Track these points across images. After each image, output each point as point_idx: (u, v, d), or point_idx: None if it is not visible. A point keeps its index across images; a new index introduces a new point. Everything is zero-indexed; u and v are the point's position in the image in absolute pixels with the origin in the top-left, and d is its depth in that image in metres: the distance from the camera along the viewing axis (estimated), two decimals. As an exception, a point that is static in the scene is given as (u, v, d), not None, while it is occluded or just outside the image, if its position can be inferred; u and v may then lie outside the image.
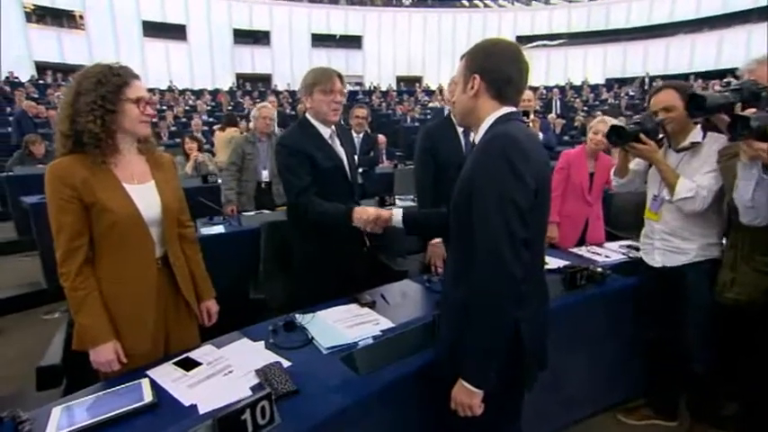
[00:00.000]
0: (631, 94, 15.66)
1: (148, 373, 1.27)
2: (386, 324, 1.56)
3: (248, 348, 1.43)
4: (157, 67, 18.64)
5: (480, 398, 1.08)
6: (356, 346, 1.39)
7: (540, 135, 3.67)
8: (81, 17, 17.43)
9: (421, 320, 1.52)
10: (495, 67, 1.12)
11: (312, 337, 1.47)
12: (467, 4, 23.71)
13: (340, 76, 1.88)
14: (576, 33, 22.05)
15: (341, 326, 1.54)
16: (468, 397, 1.07)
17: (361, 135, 4.15)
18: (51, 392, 1.43)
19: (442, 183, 2.22)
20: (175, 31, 19.43)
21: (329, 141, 1.91)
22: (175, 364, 1.32)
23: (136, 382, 1.21)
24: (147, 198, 1.39)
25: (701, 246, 1.85)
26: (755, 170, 1.45)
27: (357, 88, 19.56)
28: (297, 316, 1.60)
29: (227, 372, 1.29)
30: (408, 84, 21.89)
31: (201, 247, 1.66)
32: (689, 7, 19.35)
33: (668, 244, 1.91)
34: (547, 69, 21.52)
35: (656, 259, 1.96)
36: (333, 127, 1.93)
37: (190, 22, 19.67)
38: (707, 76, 16.15)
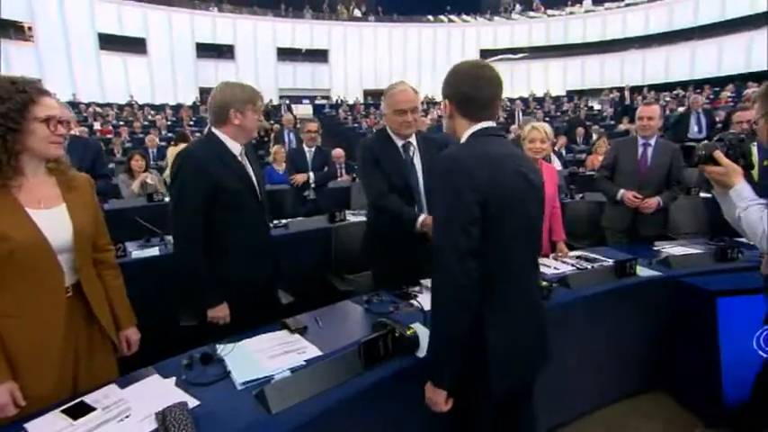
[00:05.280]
0: (597, 107, 15.94)
1: (26, 426, 1.11)
2: (313, 352, 1.45)
3: (155, 387, 1.29)
4: (116, 81, 17.99)
5: (443, 396, 1.17)
6: (271, 380, 1.27)
7: None
8: (30, 28, 16.58)
9: (351, 347, 1.41)
10: (456, 89, 1.27)
11: (229, 371, 1.34)
12: (431, 18, 24.18)
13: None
14: (536, 47, 22.85)
15: (263, 356, 1.42)
16: (432, 393, 1.18)
17: (312, 149, 4.04)
18: None
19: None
20: (134, 45, 18.79)
21: (239, 159, 1.81)
22: (64, 411, 1.17)
23: (8, 438, 1.06)
24: (55, 223, 1.26)
25: None
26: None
27: (324, 102, 19.48)
28: (217, 346, 1.47)
29: (124, 417, 1.15)
30: (375, 97, 21.97)
31: (132, 272, 1.55)
32: (638, 25, 20.62)
33: None
34: (510, 82, 22.08)
35: None
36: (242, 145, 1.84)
37: (150, 35, 19.09)
38: (658, 88, 17.69)
